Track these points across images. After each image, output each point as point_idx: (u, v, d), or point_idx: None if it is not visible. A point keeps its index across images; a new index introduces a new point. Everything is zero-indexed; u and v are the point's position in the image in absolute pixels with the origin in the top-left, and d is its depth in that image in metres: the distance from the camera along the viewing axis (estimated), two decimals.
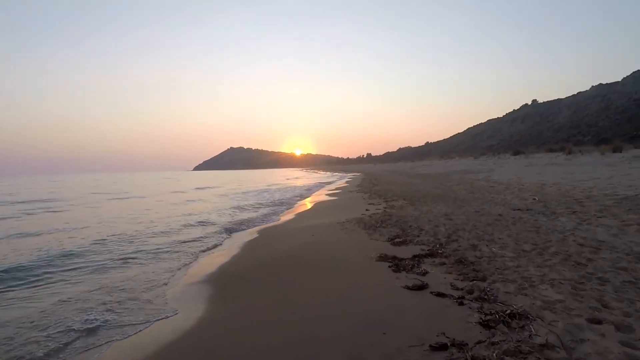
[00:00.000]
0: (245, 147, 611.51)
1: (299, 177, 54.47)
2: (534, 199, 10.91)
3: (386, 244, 6.21)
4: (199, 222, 10.90)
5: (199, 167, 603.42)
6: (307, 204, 15.59)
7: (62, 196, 25.27)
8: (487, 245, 5.43)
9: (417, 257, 5.10)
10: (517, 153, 56.82)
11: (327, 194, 19.30)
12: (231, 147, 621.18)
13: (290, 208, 14.46)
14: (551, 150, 50.58)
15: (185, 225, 10.23)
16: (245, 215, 12.32)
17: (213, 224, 10.40)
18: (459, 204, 10.72)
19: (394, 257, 5.17)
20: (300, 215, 11.70)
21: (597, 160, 27.53)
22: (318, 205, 14.03)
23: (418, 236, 6.54)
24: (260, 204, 16.41)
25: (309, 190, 23.99)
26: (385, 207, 11.25)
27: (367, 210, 10.94)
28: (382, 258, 5.20)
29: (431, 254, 5.21)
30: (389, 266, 4.80)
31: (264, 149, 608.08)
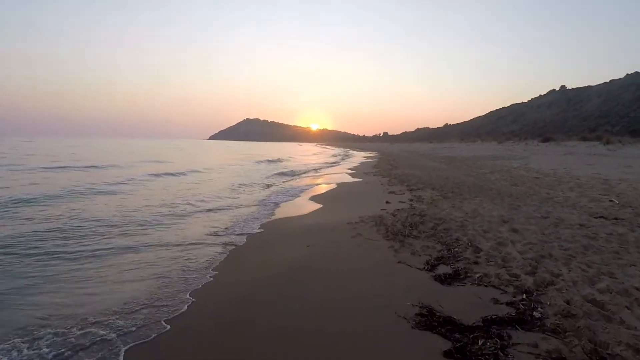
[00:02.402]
0: (262, 119, 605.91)
1: (316, 153, 51.86)
2: (611, 200, 8.22)
3: (425, 277, 3.79)
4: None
5: (214, 137, 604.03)
6: (317, 188, 13.16)
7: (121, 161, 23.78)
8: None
9: (494, 325, 2.69)
10: (546, 140, 52.77)
11: (340, 176, 16.80)
12: (247, 119, 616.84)
13: (295, 195, 12.07)
14: (584, 139, 46.50)
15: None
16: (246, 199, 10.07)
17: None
18: (510, 202, 8.13)
19: (449, 321, 2.76)
20: (305, 204, 9.31)
21: None
22: (328, 192, 11.58)
23: (476, 262, 4.08)
24: (266, 185, 14.00)
25: (321, 170, 21.51)
26: (411, 200, 8.75)
27: (387, 202, 8.47)
28: (426, 323, 2.77)
29: (520, 319, 2.77)
30: (445, 354, 2.40)
31: (280, 122, 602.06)
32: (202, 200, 9.44)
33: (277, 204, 9.22)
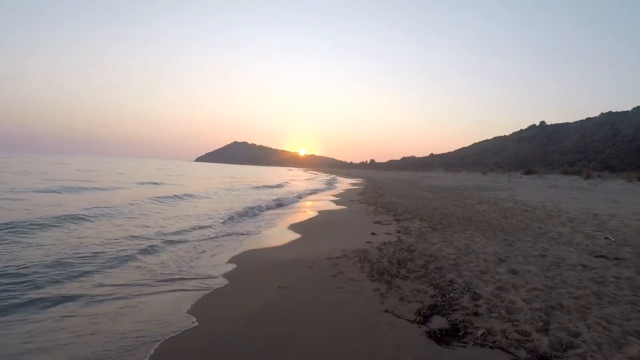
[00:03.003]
0: (250, 143, 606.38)
1: (300, 178, 51.16)
2: (607, 238, 7.81)
3: (417, 332, 3.11)
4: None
5: (200, 159, 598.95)
6: (299, 215, 12.46)
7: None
8: None
9: None
10: (528, 172, 53.91)
11: (324, 203, 16.16)
12: (235, 141, 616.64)
13: (276, 219, 11.32)
14: (566, 172, 47.66)
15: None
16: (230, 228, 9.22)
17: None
18: (503, 237, 7.61)
19: None
20: (283, 234, 8.58)
21: (625, 187, 24.46)
22: (309, 221, 10.88)
23: (476, 313, 3.44)
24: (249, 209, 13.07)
25: (305, 196, 20.83)
26: (398, 231, 8.15)
27: (373, 234, 7.84)
28: None
29: None
30: None
31: (268, 146, 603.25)
32: (163, 228, 8.28)
33: (253, 233, 8.46)
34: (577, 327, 3.10)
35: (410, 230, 8.26)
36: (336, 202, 15.47)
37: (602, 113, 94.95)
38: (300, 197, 19.68)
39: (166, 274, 4.86)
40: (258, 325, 3.35)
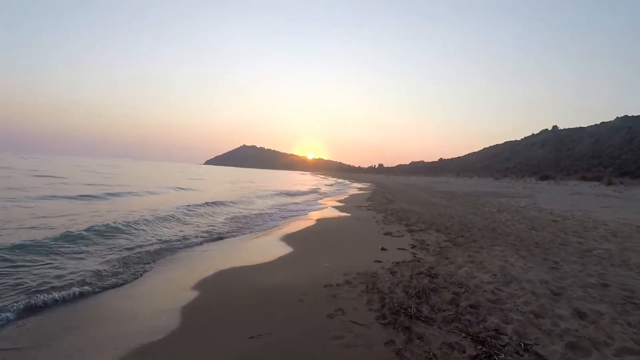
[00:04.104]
0: (258, 146, 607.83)
1: (307, 182, 49.88)
2: None
3: None
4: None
5: (210, 162, 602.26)
6: (299, 222, 11.20)
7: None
8: None
9: None
10: (544, 178, 52.01)
11: (328, 209, 14.86)
12: (244, 145, 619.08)
13: (273, 226, 10.08)
14: (584, 179, 45.68)
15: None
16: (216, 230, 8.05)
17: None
18: (541, 255, 6.25)
19: None
20: (271, 246, 7.32)
21: None
22: (309, 229, 9.61)
23: None
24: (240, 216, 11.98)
25: (308, 200, 19.58)
26: (412, 245, 6.84)
27: (383, 249, 6.54)
28: None
29: None
30: None
31: (276, 150, 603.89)
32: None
33: (235, 241, 7.23)
34: None
35: (428, 245, 6.94)
36: (341, 211, 14.12)
37: (617, 117, 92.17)
38: (309, 199, 18.41)
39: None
40: None
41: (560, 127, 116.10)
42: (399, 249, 6.62)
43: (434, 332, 3.09)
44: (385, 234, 8.26)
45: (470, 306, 3.63)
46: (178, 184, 24.69)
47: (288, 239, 7.90)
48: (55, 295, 3.85)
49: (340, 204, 16.38)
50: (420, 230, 8.77)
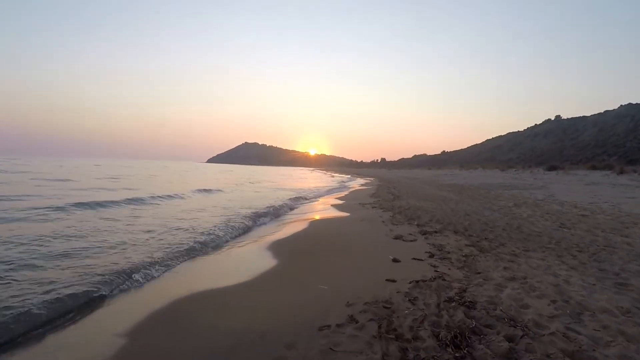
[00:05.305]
0: (260, 143, 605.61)
1: (307, 178, 48.59)
2: None
3: None
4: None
5: (212, 160, 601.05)
6: (295, 226, 9.96)
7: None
8: None
9: None
10: (552, 168, 50.56)
11: (328, 209, 13.59)
12: (246, 142, 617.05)
13: (264, 233, 8.83)
14: (594, 168, 44.24)
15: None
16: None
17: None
18: (594, 265, 4.98)
19: None
20: (255, 256, 6.09)
21: None
22: (306, 233, 8.36)
23: None
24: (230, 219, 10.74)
25: (308, 199, 18.33)
26: (430, 254, 5.57)
27: (395, 260, 5.28)
28: None
29: None
30: None
31: (278, 146, 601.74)
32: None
33: (209, 252, 6.00)
34: None
35: (448, 253, 5.68)
36: (342, 209, 12.81)
37: (621, 105, 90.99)
38: (309, 198, 17.22)
39: None
40: None
41: (564, 116, 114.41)
42: (413, 259, 5.36)
43: None
44: (396, 238, 6.99)
45: None
46: (202, 185, 22.98)
47: (276, 247, 6.64)
48: None
49: (342, 203, 15.11)
50: (435, 232, 7.50)
